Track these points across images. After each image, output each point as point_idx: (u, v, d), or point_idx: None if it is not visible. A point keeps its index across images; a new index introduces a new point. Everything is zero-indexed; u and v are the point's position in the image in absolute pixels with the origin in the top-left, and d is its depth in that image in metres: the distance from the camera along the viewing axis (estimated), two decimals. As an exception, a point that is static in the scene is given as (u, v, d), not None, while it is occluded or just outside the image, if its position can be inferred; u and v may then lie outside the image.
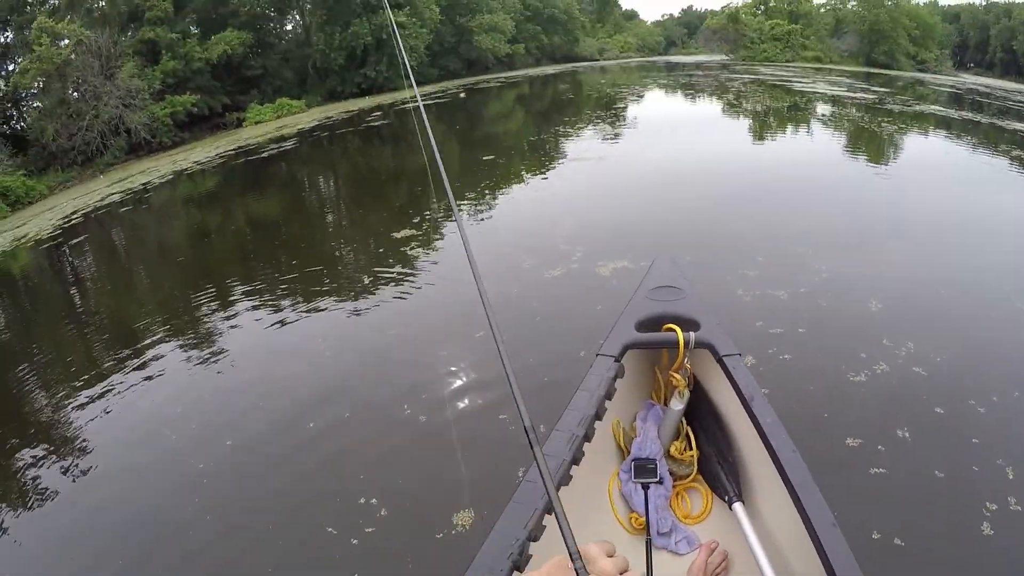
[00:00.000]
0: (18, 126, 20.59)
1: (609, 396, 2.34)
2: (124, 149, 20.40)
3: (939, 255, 5.81)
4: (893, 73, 28.88)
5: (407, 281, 6.23)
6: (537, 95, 24.90)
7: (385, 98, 25.73)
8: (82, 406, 4.86)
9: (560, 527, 1.03)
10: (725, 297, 4.93)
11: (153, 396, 4.84)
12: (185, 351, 5.52)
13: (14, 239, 12.52)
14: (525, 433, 1.18)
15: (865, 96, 18.32)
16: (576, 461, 2.03)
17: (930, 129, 13.23)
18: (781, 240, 6.18)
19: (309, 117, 23.34)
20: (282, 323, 5.71)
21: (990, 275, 5.31)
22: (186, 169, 16.43)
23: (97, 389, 5.06)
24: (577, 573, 0.89)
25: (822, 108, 16.76)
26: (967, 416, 3.40)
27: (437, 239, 7.54)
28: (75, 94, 20.14)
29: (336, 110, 24.27)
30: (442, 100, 23.78)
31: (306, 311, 5.97)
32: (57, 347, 6.43)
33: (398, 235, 7.59)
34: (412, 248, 7.12)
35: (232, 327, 5.90)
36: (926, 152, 11.05)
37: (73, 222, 12.76)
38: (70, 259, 10.33)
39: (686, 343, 2.34)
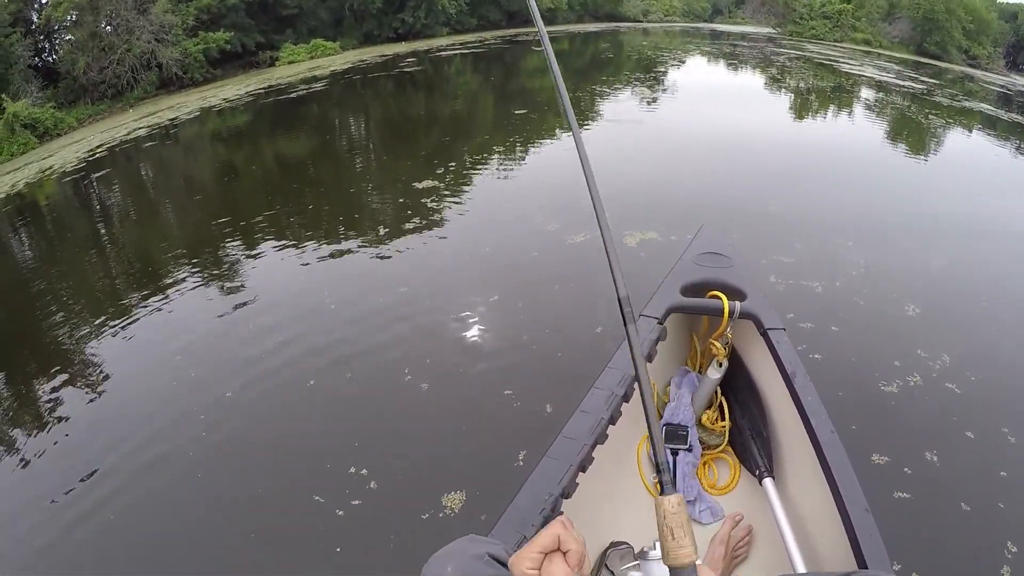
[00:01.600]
0: (50, 59, 20.43)
1: (650, 358, 2.36)
2: (155, 84, 20.33)
3: (981, 262, 5.43)
4: (943, 65, 27.58)
5: (426, 232, 6.10)
6: (577, 52, 24.15)
7: (420, 44, 25.23)
8: (96, 331, 4.98)
9: None
10: (757, 283, 4.68)
11: (166, 327, 4.89)
12: (202, 285, 5.59)
13: (40, 170, 12.59)
14: (619, 307, 1.19)
15: (913, 85, 17.45)
16: (613, 421, 2.03)
17: (977, 127, 12.50)
18: (819, 227, 5.83)
19: (343, 59, 22.97)
20: (296, 264, 5.72)
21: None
22: (215, 106, 16.30)
23: (110, 317, 5.17)
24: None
25: (868, 93, 16.01)
26: (998, 445, 3.16)
27: (461, 191, 7.31)
28: (108, 27, 19.92)
29: (371, 54, 23.83)
30: (479, 50, 23.26)
31: (320, 256, 5.89)
32: (77, 274, 6.56)
33: (422, 184, 7.44)
34: (435, 199, 6.96)
35: (251, 265, 5.91)
36: (972, 151, 10.42)
37: (99, 155, 12.74)
38: (94, 191, 10.34)
39: (731, 312, 2.32)
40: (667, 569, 0.98)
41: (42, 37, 20.53)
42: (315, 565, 2.67)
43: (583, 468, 1.85)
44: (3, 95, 16.47)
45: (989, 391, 3.57)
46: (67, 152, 13.79)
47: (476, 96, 15.24)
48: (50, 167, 12.61)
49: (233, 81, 20.79)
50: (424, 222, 6.33)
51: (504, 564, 1.18)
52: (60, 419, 3.95)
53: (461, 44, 24.60)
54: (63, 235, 8.39)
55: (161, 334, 4.83)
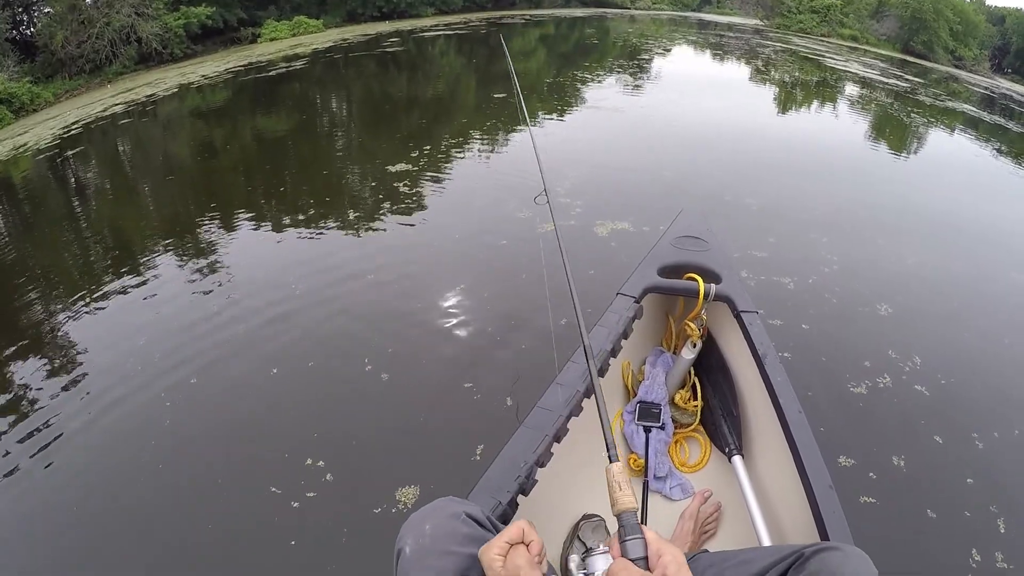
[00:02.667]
0: (27, 32, 19.94)
1: (626, 335, 2.38)
2: (134, 59, 19.84)
3: (956, 263, 5.43)
4: (928, 64, 27.73)
5: (397, 216, 5.99)
6: (562, 37, 23.95)
7: (405, 24, 24.91)
8: (57, 306, 4.95)
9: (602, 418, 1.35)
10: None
11: (131, 306, 4.79)
12: (173, 261, 5.51)
13: (14, 147, 12.29)
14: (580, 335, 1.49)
15: (898, 83, 17.48)
16: (588, 394, 2.05)
17: (959, 128, 12.50)
18: (795, 223, 5.81)
19: (325, 37, 22.61)
20: (264, 247, 5.65)
21: (1009, 294, 4.94)
22: (193, 83, 15.96)
23: (72, 293, 5.12)
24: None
25: (852, 89, 16.00)
26: (966, 451, 3.14)
27: (434, 175, 7.19)
28: (87, 0, 19.43)
29: (354, 32, 23.51)
30: (463, 32, 22.97)
31: (289, 239, 5.79)
32: (50, 251, 6.43)
33: (395, 168, 7.34)
34: (407, 183, 6.85)
35: (220, 246, 5.77)
36: (952, 151, 10.40)
37: (74, 132, 12.45)
38: (69, 169, 10.11)
39: (706, 294, 2.38)
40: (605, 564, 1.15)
41: (20, 9, 19.99)
42: (269, 559, 2.62)
43: (557, 439, 1.88)
44: (-23, 69, 16.10)
45: (960, 395, 3.56)
46: (42, 128, 13.47)
47: (458, 79, 15.03)
48: (24, 143, 12.32)
49: (213, 58, 20.39)
50: (396, 206, 6.22)
51: (481, 524, 1.26)
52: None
53: (446, 25, 24.29)
54: (36, 212, 8.21)
55: (125, 315, 4.72)
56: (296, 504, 2.82)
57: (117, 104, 14.46)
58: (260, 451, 3.18)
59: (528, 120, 5.68)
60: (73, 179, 9.76)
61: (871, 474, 2.88)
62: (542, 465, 1.78)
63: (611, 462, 1.23)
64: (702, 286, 2.38)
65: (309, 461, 3.05)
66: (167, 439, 3.32)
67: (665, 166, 7.42)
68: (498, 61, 17.32)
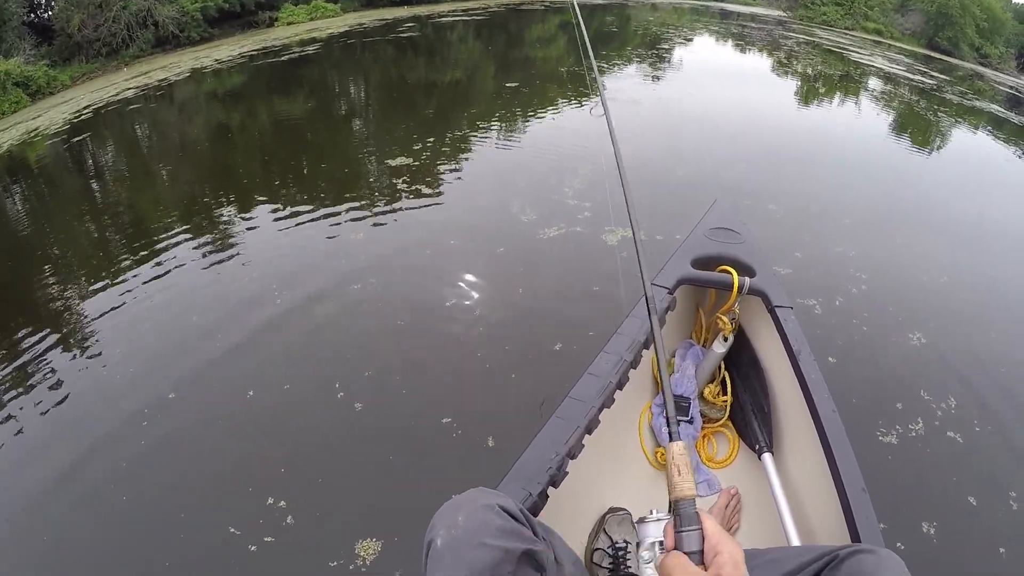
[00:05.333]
0: (45, 15, 19.85)
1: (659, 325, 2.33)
2: (151, 42, 19.76)
3: (996, 284, 4.96)
4: (953, 61, 26.71)
5: (397, 213, 5.77)
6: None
7: (422, 9, 24.46)
8: (76, 289, 5.09)
9: None
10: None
11: (142, 286, 4.88)
12: (183, 245, 5.55)
13: (27, 130, 12.32)
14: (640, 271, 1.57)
15: (923, 80, 16.70)
16: (620, 386, 2.04)
17: (988, 128, 11.82)
18: (821, 235, 5.37)
19: (342, 22, 22.30)
20: (270, 229, 5.66)
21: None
22: (206, 67, 15.82)
23: (89, 277, 5.25)
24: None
25: (877, 84, 15.28)
26: (1003, 516, 2.79)
27: (441, 169, 6.92)
28: (104, -17, 19.27)
29: (370, 17, 23.13)
30: (480, 17, 22.50)
31: (305, 221, 5.75)
32: (64, 233, 6.55)
33: (395, 162, 7.08)
34: (406, 179, 6.58)
35: (227, 225, 5.92)
36: (989, 155, 9.73)
37: (86, 116, 12.43)
38: (83, 152, 10.15)
39: (740, 287, 2.33)
40: (660, 534, 1.13)
41: (38, -7, 19.91)
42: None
43: (589, 430, 1.86)
44: (-6, 53, 16.11)
45: (999, 446, 3.20)
46: (56, 112, 13.46)
47: (472, 66, 14.64)
48: (38, 127, 12.33)
49: (229, 41, 20.22)
50: (396, 203, 5.96)
51: (514, 516, 1.19)
52: None
53: (464, 11, 23.80)
54: (50, 194, 8.38)
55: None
56: (253, 548, 2.61)
57: (130, 88, 14.39)
58: (227, 485, 2.99)
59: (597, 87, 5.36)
60: (87, 162, 9.81)
61: (899, 544, 2.54)
62: (573, 457, 1.77)
63: (671, 440, 1.18)
64: (736, 279, 2.33)
65: (271, 500, 2.81)
66: (135, 461, 3.18)
67: (682, 164, 6.96)
68: (517, 47, 16.94)
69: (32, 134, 11.87)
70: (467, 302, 4.26)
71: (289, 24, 22.69)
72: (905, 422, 3.21)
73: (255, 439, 3.27)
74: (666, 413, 1.24)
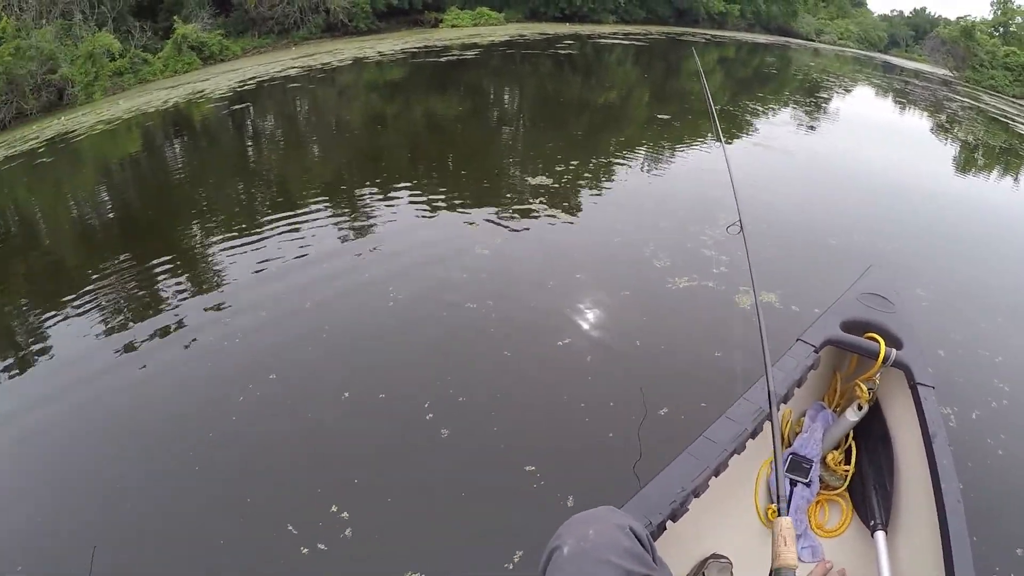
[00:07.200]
0: (226, -11, 21.35)
1: (800, 383, 2.33)
2: (320, 27, 20.98)
3: None
4: None
5: (524, 235, 5.61)
6: (741, 61, 22.73)
7: (583, 28, 24.67)
8: (217, 243, 5.41)
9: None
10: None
11: (277, 248, 5.15)
12: (320, 218, 5.84)
13: (195, 91, 13.22)
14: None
15: None
16: (754, 435, 2.04)
17: None
18: (968, 331, 4.48)
19: (504, 31, 22.88)
20: (410, 226, 5.72)
21: None
22: (368, 57, 16.48)
23: (228, 238, 5.50)
24: None
25: None
26: None
27: (595, 187, 6.83)
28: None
29: (532, 30, 23.57)
30: (641, 43, 22.34)
31: (439, 222, 5.86)
32: (215, 187, 7.08)
33: (534, 180, 6.97)
34: (543, 200, 6.39)
35: (365, 208, 6.08)
36: None
37: (249, 87, 13.27)
38: (240, 119, 10.81)
39: (886, 358, 2.26)
40: None
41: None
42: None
43: (716, 473, 1.87)
44: (176, 16, 17.41)
45: None
46: (222, 78, 14.47)
47: (626, 90, 14.43)
48: (204, 89, 13.26)
49: (393, 36, 21.10)
50: (529, 224, 5.81)
51: (641, 541, 1.20)
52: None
53: (624, 34, 23.75)
54: (208, 150, 9.01)
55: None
56: (305, 551, 2.53)
57: (294, 67, 15.20)
58: (300, 478, 2.95)
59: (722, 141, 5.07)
60: (244, 127, 10.41)
61: None
62: (697, 495, 1.78)
63: (780, 515, 1.31)
64: (883, 348, 2.26)
65: (335, 508, 2.71)
66: (222, 440, 3.21)
67: (831, 226, 6.29)
68: (672, 77, 16.58)
69: (198, 95, 12.77)
70: (580, 346, 3.94)
71: (453, 27, 23.53)
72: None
73: (336, 440, 3.20)
74: (777, 483, 1.37)
